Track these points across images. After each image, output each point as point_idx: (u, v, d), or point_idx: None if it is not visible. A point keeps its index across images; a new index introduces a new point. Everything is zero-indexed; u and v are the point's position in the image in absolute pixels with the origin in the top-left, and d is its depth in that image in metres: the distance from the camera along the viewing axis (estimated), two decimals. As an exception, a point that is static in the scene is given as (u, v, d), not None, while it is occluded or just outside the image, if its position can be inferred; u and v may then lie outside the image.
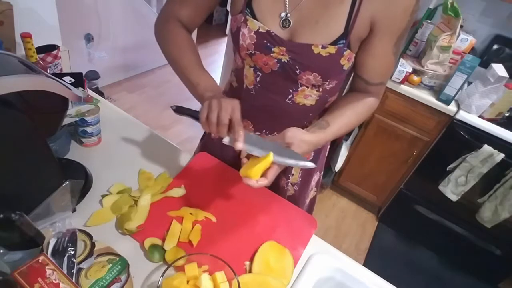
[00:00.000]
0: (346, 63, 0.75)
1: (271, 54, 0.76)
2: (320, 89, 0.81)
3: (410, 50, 2.01)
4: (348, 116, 0.81)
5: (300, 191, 1.03)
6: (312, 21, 0.72)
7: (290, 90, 0.82)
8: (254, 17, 0.75)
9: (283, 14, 0.73)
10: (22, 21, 1.20)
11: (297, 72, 0.77)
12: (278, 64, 0.77)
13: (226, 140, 0.70)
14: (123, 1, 2.69)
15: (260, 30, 0.74)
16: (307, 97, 0.83)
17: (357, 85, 0.84)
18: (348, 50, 0.73)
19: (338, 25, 0.71)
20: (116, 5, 2.66)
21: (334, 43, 0.72)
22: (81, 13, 2.45)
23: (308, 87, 0.80)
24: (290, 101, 0.84)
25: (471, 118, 1.75)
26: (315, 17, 0.72)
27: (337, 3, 0.69)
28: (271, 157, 0.66)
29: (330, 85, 0.81)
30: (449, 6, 1.69)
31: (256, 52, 0.77)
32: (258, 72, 0.82)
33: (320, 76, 0.76)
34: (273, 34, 0.74)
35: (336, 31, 0.71)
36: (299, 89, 0.81)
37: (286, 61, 0.76)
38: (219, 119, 0.67)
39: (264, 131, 0.91)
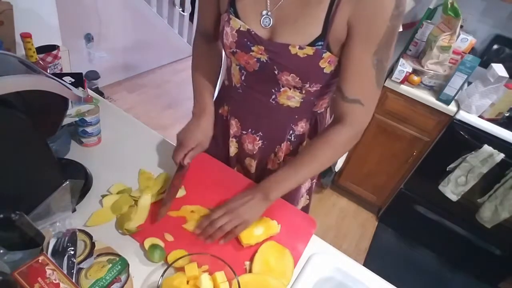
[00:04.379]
0: (327, 65, 0.73)
1: (251, 53, 0.76)
2: (303, 91, 0.80)
3: (410, 50, 2.01)
4: (308, 165, 0.80)
5: (289, 195, 1.01)
6: (291, 20, 0.71)
7: (273, 90, 0.82)
8: (237, 16, 0.75)
9: (264, 12, 0.73)
10: (22, 21, 1.20)
11: (276, 72, 0.76)
12: (258, 64, 0.77)
13: None
14: (123, 1, 2.69)
15: (241, 29, 0.74)
16: (290, 98, 0.82)
17: (335, 101, 0.79)
18: (328, 53, 0.71)
19: (316, 26, 0.69)
20: (116, 5, 2.66)
21: (312, 44, 0.70)
22: (81, 13, 2.45)
23: (290, 88, 0.80)
24: (274, 102, 0.84)
25: (471, 118, 1.75)
26: (294, 17, 0.70)
27: (316, 3, 0.67)
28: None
29: (314, 88, 0.79)
30: (449, 6, 1.69)
31: (237, 50, 0.77)
32: (243, 71, 0.83)
33: (298, 78, 0.75)
34: (252, 33, 0.74)
35: (314, 32, 0.69)
36: (281, 90, 0.81)
37: (264, 61, 0.76)
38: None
39: (249, 130, 0.92)
